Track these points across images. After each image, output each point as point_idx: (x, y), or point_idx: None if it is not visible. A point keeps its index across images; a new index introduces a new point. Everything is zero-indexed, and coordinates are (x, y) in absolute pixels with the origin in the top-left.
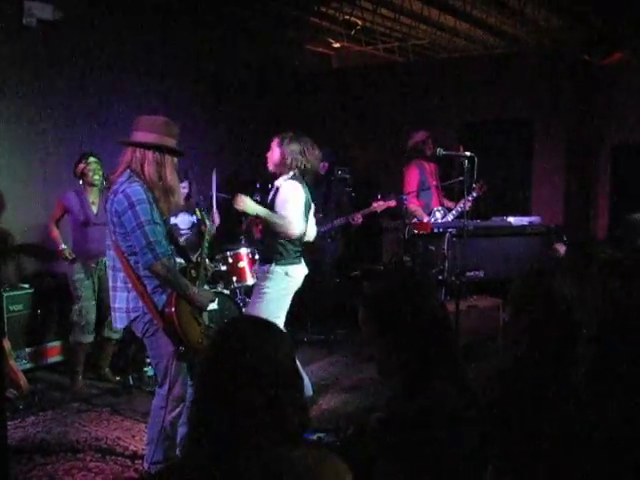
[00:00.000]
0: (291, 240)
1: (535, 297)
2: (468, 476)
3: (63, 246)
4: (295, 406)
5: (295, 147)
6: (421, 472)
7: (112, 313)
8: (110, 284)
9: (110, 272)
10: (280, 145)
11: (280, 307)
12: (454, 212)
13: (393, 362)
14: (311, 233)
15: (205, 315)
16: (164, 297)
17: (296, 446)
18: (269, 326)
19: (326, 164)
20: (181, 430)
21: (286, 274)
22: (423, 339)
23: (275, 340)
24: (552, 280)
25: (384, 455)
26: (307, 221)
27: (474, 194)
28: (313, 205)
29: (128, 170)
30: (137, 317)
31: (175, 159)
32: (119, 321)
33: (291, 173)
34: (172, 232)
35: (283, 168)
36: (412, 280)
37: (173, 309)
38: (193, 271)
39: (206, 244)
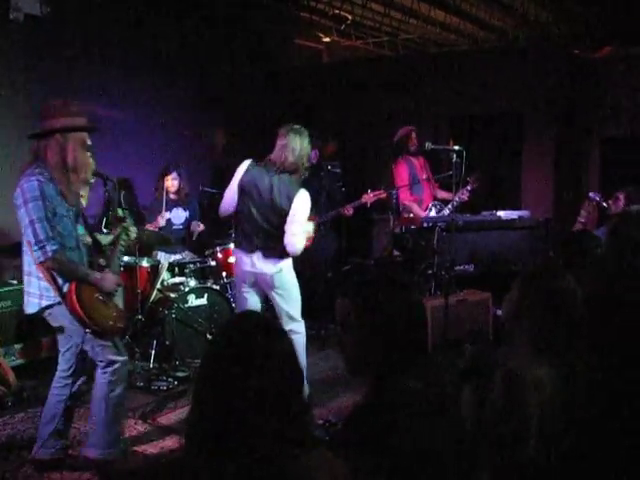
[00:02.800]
0: None
1: (538, 298)
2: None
3: None
4: (298, 406)
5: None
6: (387, 472)
7: (24, 297)
8: (24, 268)
9: (24, 257)
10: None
11: None
12: (450, 206)
13: (360, 359)
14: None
15: (118, 298)
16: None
17: (299, 447)
18: (273, 326)
19: (316, 151)
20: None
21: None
22: (391, 337)
23: (280, 340)
24: (556, 279)
25: (351, 454)
26: None
27: (469, 187)
28: None
29: (36, 161)
30: (50, 305)
31: (84, 134)
32: (30, 306)
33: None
34: (84, 217)
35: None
36: (389, 277)
37: (73, 296)
38: (102, 260)
39: (123, 238)
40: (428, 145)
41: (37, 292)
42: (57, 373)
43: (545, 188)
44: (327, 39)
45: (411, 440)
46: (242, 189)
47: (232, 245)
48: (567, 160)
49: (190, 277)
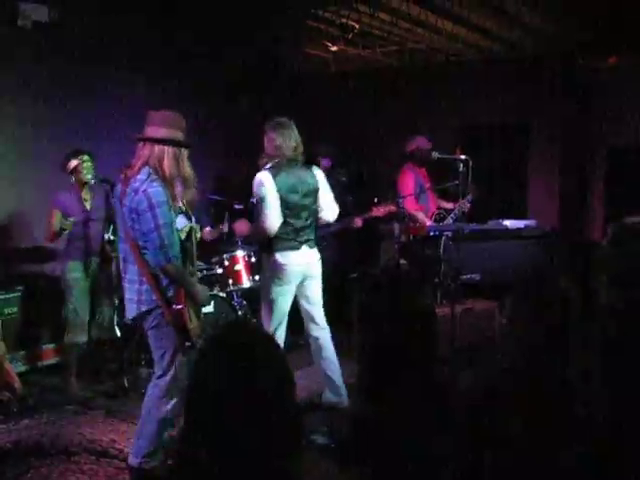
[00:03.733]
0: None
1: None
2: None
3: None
4: (289, 415)
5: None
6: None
7: (126, 304)
8: (122, 275)
9: (122, 264)
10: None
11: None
12: (452, 216)
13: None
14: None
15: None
16: (172, 293)
17: (292, 456)
18: (266, 334)
19: (328, 161)
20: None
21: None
22: (397, 341)
23: (273, 349)
24: (554, 284)
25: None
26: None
27: (469, 198)
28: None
29: (147, 167)
30: (150, 310)
31: (187, 151)
32: (129, 312)
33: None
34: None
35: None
36: (401, 281)
37: (182, 306)
38: (192, 268)
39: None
40: (435, 154)
41: (135, 297)
42: (153, 380)
43: (551, 197)
44: (334, 48)
45: (404, 455)
46: (284, 198)
47: (239, 252)
48: (573, 170)
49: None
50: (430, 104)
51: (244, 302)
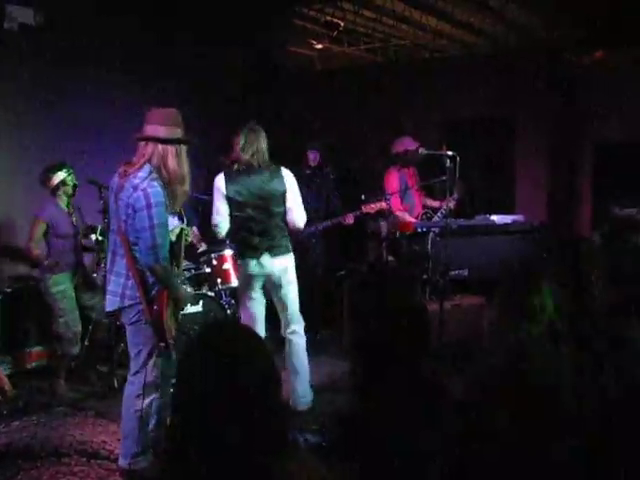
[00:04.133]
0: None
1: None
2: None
3: (47, 262)
4: (276, 413)
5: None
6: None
7: (106, 296)
8: (108, 267)
9: (109, 255)
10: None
11: None
12: (439, 214)
13: (356, 356)
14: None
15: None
16: (155, 292)
17: (277, 453)
18: (252, 333)
19: (316, 155)
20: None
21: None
22: (387, 336)
23: (258, 347)
24: (542, 280)
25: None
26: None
27: (455, 195)
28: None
29: (148, 165)
30: (131, 305)
31: (186, 148)
32: (110, 304)
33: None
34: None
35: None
36: (390, 279)
37: (163, 306)
38: (175, 261)
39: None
40: (422, 150)
41: (119, 290)
42: (128, 377)
43: (538, 192)
44: (319, 46)
45: (392, 451)
46: (233, 200)
47: (227, 252)
48: (560, 164)
49: (185, 284)
50: (415, 100)
51: (232, 301)
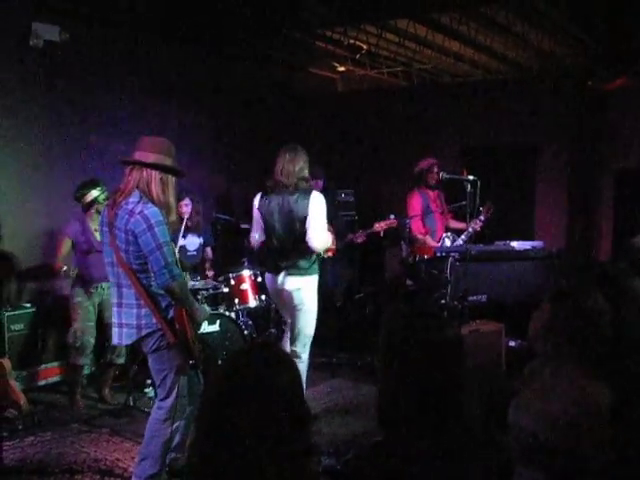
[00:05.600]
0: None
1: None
2: None
3: (65, 268)
4: (301, 441)
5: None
6: None
7: (114, 329)
8: (114, 300)
9: (114, 289)
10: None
11: None
12: (463, 237)
13: (395, 404)
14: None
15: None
16: (172, 314)
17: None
18: (281, 356)
19: (319, 182)
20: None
21: None
22: (432, 376)
23: (287, 370)
24: (587, 298)
25: None
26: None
27: (482, 217)
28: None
29: (137, 190)
30: (150, 333)
31: (174, 179)
32: (126, 337)
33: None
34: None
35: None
36: (428, 310)
37: (185, 324)
38: None
39: None
40: (443, 175)
41: (134, 322)
42: (156, 402)
43: (558, 219)
44: (342, 68)
45: None
46: (263, 218)
47: (245, 272)
48: (580, 191)
49: (203, 303)
50: (436, 124)
51: (250, 321)
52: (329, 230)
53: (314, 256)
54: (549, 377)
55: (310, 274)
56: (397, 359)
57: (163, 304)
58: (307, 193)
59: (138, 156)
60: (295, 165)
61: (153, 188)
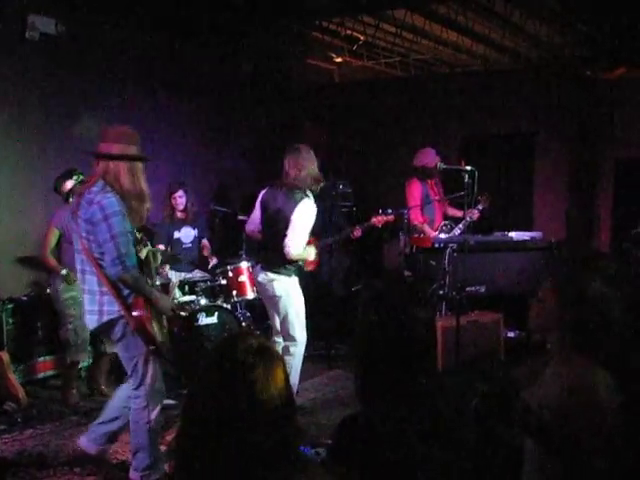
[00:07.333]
0: None
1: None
2: None
3: (64, 272)
4: (289, 428)
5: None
6: None
7: (85, 315)
8: (81, 286)
9: (79, 275)
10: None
11: None
12: (460, 226)
13: (368, 381)
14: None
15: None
16: (132, 300)
17: (290, 469)
18: (266, 348)
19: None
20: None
21: None
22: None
23: (273, 362)
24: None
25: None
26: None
27: (480, 206)
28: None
29: (102, 180)
30: (112, 320)
31: (142, 165)
32: (89, 322)
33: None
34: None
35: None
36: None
37: (143, 312)
38: (148, 279)
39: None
40: (440, 165)
41: (96, 308)
42: (131, 392)
43: (557, 209)
44: (339, 59)
45: (392, 466)
46: (261, 210)
47: (243, 264)
48: (579, 181)
49: (200, 296)
50: (434, 115)
51: (248, 313)
52: (312, 243)
53: (292, 262)
54: (553, 366)
55: (285, 274)
56: (368, 338)
57: (125, 291)
58: (296, 196)
59: (103, 148)
60: (293, 166)
61: (122, 179)
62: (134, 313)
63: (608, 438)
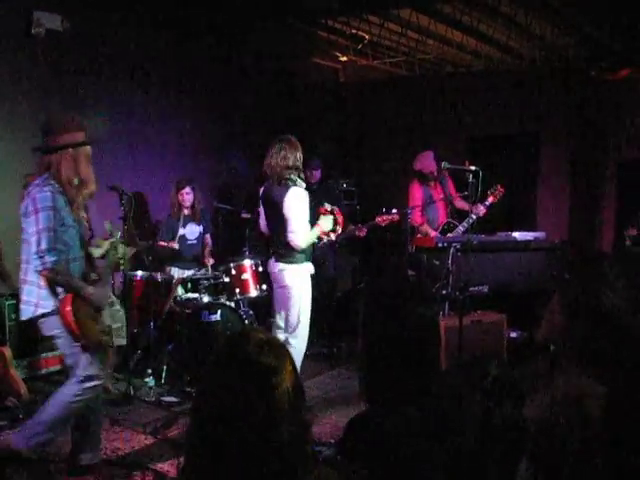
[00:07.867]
0: None
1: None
2: None
3: None
4: (298, 425)
5: None
6: None
7: (21, 305)
8: (21, 276)
9: (23, 265)
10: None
11: None
12: (465, 224)
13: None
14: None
15: (105, 314)
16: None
17: (299, 466)
18: (275, 343)
19: (317, 172)
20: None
21: None
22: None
23: (284, 359)
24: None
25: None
26: None
27: (487, 202)
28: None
29: (47, 173)
30: (45, 314)
31: (89, 148)
32: (24, 313)
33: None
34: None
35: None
36: (407, 292)
37: (68, 308)
38: (94, 274)
39: (112, 253)
40: (444, 164)
41: (34, 300)
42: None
43: (561, 210)
44: (344, 58)
45: (399, 463)
46: (262, 206)
47: (246, 261)
48: (583, 182)
49: (204, 293)
50: (439, 114)
51: (250, 311)
52: (325, 213)
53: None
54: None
55: (292, 263)
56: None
57: (59, 287)
58: (285, 187)
59: (48, 141)
60: (279, 158)
61: (62, 170)
62: (60, 308)
63: (593, 453)
